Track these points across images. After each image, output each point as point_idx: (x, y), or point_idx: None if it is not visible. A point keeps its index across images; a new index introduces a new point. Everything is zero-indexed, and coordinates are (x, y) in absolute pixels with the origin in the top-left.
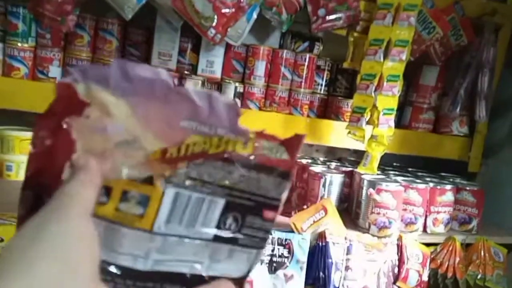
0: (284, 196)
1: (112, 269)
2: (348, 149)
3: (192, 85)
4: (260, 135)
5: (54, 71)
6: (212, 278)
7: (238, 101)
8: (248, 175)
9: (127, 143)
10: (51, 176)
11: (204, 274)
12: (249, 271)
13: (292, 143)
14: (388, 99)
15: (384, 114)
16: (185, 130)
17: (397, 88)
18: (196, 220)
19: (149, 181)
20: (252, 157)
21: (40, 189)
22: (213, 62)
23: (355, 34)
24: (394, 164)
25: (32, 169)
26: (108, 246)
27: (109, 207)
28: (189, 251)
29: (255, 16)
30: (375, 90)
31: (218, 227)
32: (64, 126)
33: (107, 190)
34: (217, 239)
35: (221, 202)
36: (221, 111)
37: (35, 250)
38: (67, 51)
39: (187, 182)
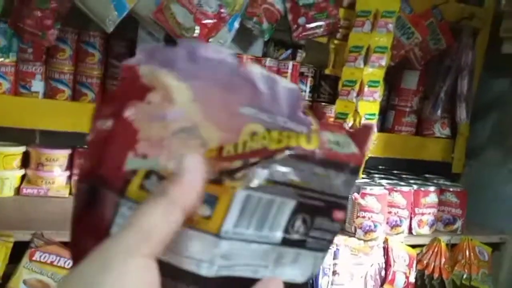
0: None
1: (176, 273)
2: None
3: (258, 68)
4: (324, 126)
5: (37, 85)
6: None
7: None
8: (319, 173)
9: (184, 130)
10: (110, 167)
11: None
12: (312, 275)
13: (360, 135)
14: (370, 105)
15: (366, 119)
16: (243, 117)
17: (378, 93)
18: (264, 224)
19: (217, 180)
20: (318, 152)
21: (96, 181)
22: None
23: (336, 42)
24: (380, 167)
25: (88, 160)
26: (173, 249)
27: None
28: (255, 255)
29: (236, 26)
30: (357, 96)
31: (286, 230)
32: (127, 112)
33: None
34: (285, 242)
35: (291, 204)
36: (282, 96)
37: None
38: (49, 65)
39: (259, 183)
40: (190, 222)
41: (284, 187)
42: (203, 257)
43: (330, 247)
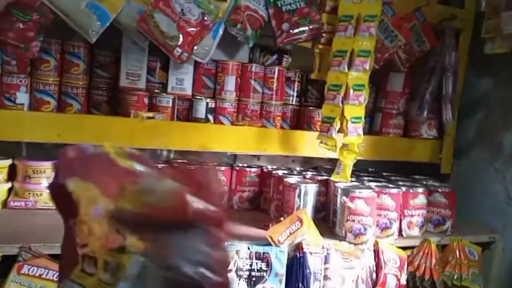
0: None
1: None
2: (324, 158)
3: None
4: (133, 156)
5: (22, 97)
6: None
7: (211, 117)
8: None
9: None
10: (66, 262)
11: None
12: None
13: (183, 174)
14: (355, 108)
15: (353, 122)
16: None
17: (363, 97)
18: None
19: (122, 250)
20: (134, 213)
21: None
22: (183, 79)
23: (320, 46)
24: (370, 169)
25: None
26: None
27: (94, 278)
28: None
29: (221, 32)
30: (343, 100)
31: None
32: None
33: (94, 261)
34: None
35: (161, 278)
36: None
37: None
38: (34, 77)
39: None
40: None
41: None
42: None
43: None
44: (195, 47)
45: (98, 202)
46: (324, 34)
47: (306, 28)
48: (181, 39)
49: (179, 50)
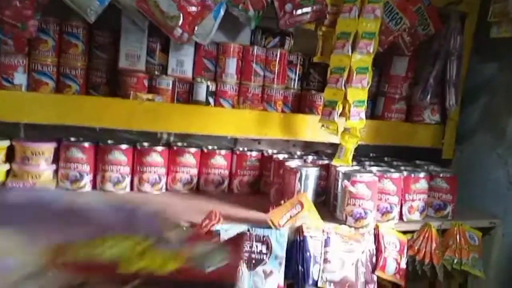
0: None
1: None
2: (325, 142)
3: (98, 201)
4: (196, 237)
5: (19, 78)
6: None
7: (211, 100)
8: None
9: (32, 276)
10: None
11: None
12: None
13: (235, 241)
14: (358, 92)
15: (355, 106)
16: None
17: (366, 80)
18: None
19: None
20: (177, 274)
21: None
22: (183, 61)
23: (324, 28)
24: (371, 154)
25: None
26: None
27: None
28: None
29: (222, 13)
30: (346, 83)
31: None
32: None
33: None
34: None
35: None
36: (142, 222)
37: None
38: (32, 57)
39: None
40: None
41: None
42: None
43: None
44: (196, 28)
45: (9, 255)
46: (327, 16)
47: (309, 9)
48: (181, 19)
49: (180, 31)
